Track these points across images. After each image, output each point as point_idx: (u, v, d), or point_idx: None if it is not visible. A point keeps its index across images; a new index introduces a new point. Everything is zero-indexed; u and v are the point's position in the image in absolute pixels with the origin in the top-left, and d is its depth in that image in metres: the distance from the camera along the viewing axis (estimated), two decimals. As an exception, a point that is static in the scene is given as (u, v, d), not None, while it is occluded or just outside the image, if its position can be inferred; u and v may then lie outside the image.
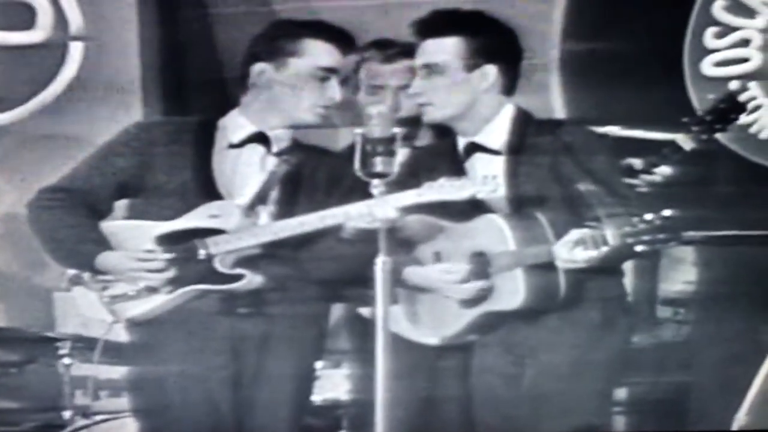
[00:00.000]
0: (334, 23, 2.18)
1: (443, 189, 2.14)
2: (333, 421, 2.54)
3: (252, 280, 2.22)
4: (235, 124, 2.22)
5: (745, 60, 2.31)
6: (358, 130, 2.15)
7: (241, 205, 2.21)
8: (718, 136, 2.28)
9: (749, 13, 2.30)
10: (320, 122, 2.21)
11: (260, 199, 2.22)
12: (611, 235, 2.14)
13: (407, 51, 2.21)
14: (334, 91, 2.16)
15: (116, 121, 2.31)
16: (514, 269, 2.23)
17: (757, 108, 2.34)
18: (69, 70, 2.26)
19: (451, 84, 2.17)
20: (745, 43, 2.31)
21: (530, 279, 2.22)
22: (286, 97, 2.19)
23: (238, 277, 2.22)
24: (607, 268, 2.26)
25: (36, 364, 2.47)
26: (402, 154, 2.21)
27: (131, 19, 2.26)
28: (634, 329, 2.39)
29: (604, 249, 2.15)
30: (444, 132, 2.26)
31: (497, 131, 2.22)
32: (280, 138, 2.22)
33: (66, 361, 2.44)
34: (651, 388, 2.54)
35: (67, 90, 2.28)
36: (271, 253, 2.21)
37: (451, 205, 2.18)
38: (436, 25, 2.14)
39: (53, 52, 2.26)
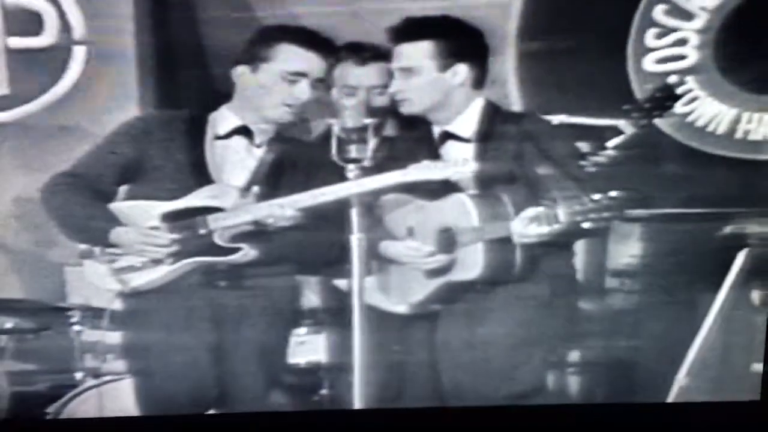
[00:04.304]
0: (313, 29, 2.33)
1: (427, 169, 2.34)
2: (315, 382, 2.63)
3: (247, 253, 2.43)
4: (223, 118, 2.42)
5: (683, 57, 2.42)
6: (334, 121, 2.38)
7: (238, 187, 2.41)
8: (659, 123, 2.44)
9: (687, 16, 2.40)
10: (288, 119, 2.40)
11: (254, 182, 2.42)
12: (563, 213, 2.33)
13: (379, 54, 2.37)
14: (302, 91, 2.35)
15: (116, 115, 2.42)
16: (477, 243, 2.41)
17: (693, 99, 2.45)
18: (73, 71, 2.37)
19: (426, 83, 2.36)
20: (682, 42, 2.41)
21: (489, 252, 2.41)
22: (258, 96, 2.38)
23: (235, 250, 2.43)
24: (560, 246, 2.44)
25: (50, 331, 2.58)
26: (383, 140, 2.42)
27: (128, 25, 2.36)
28: (582, 302, 2.56)
29: (556, 226, 2.34)
30: (411, 122, 2.44)
31: (468, 121, 2.41)
32: (263, 131, 2.42)
33: (76, 328, 2.57)
34: (601, 351, 2.64)
35: (72, 88, 2.38)
36: (263, 230, 2.42)
37: (425, 185, 2.38)
38: (409, 31, 2.31)
39: (59, 54, 2.36)
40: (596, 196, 2.35)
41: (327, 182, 2.39)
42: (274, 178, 2.45)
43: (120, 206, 2.45)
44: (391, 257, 2.49)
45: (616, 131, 2.39)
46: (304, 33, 2.36)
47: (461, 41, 2.35)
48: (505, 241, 2.42)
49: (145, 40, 2.39)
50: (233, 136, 2.44)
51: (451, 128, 2.43)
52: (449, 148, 2.44)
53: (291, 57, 2.36)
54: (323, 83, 2.40)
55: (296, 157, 2.46)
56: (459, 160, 2.38)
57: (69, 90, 2.40)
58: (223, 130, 2.44)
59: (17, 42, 2.36)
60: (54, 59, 2.38)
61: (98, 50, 2.38)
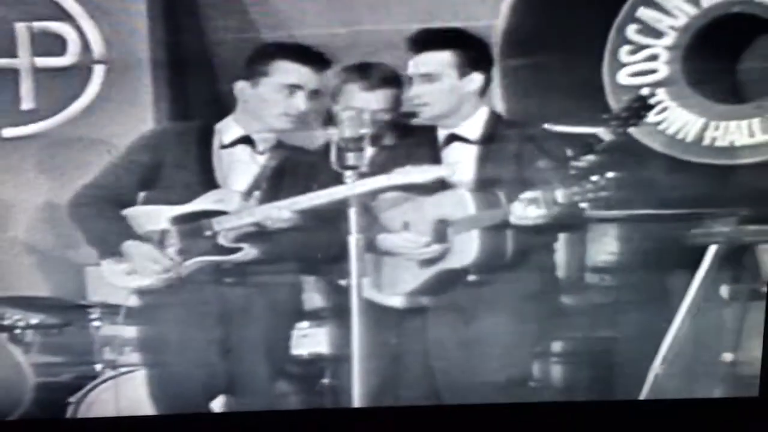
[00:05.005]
0: (305, 45, 2.48)
1: (410, 174, 2.48)
2: (317, 372, 2.72)
3: (248, 252, 2.55)
4: (227, 128, 2.55)
5: (654, 71, 2.55)
6: (333, 131, 2.51)
7: (241, 191, 2.54)
8: (633, 131, 2.55)
9: (658, 34, 2.54)
10: (288, 127, 2.53)
11: (255, 187, 2.55)
12: (562, 195, 2.41)
13: (386, 79, 2.51)
14: (299, 102, 2.48)
15: (133, 127, 2.55)
16: (472, 230, 2.50)
17: (664, 109, 2.58)
18: (93, 87, 2.50)
19: (446, 89, 2.49)
20: (653, 58, 2.54)
21: (484, 240, 2.51)
22: (260, 108, 2.51)
23: (237, 250, 2.56)
24: (555, 231, 2.55)
25: (72, 327, 2.69)
26: (383, 148, 2.55)
27: (144, 46, 2.49)
28: (563, 295, 2.66)
29: (556, 208, 2.42)
30: (412, 129, 2.57)
31: (474, 125, 2.53)
32: (265, 139, 2.56)
33: (96, 323, 2.69)
34: (583, 342, 2.72)
35: (93, 103, 2.51)
36: (265, 231, 2.54)
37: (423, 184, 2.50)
38: (429, 41, 2.45)
39: (80, 72, 2.49)
40: (594, 177, 2.42)
41: (325, 186, 2.50)
42: (276, 183, 2.56)
43: (135, 210, 2.57)
44: (387, 250, 2.58)
45: (597, 138, 2.51)
46: (297, 49, 2.49)
47: (476, 52, 2.49)
48: (499, 232, 2.50)
49: (159, 58, 2.52)
50: (238, 145, 2.56)
51: (458, 131, 2.54)
52: (451, 151, 2.55)
53: (286, 71, 2.49)
54: (319, 94, 2.53)
55: (296, 163, 2.57)
56: (441, 165, 2.51)
57: (89, 104, 2.53)
58: (228, 140, 2.56)
59: (43, 62, 2.48)
60: (76, 77, 2.51)
61: (116, 68, 2.51)
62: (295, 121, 2.53)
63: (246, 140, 2.57)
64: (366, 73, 2.54)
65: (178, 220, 2.56)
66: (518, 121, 2.56)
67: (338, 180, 2.51)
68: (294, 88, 2.50)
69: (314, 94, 2.53)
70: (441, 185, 2.53)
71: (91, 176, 2.54)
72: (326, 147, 2.55)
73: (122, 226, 2.56)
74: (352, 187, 2.48)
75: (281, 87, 2.50)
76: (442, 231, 2.53)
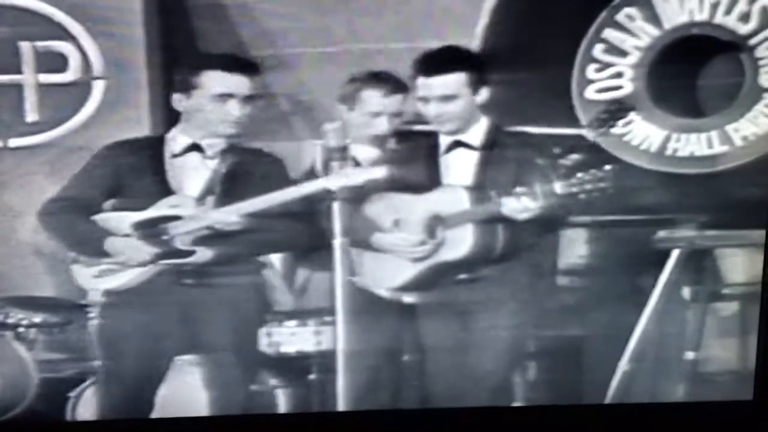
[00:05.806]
0: (231, 54, 2.56)
1: (345, 176, 2.55)
2: (304, 369, 2.78)
3: (203, 254, 2.61)
4: (175, 138, 2.61)
5: (619, 87, 2.66)
6: (317, 142, 2.59)
7: (194, 196, 2.59)
8: (602, 143, 2.65)
9: (623, 53, 2.64)
10: (231, 132, 2.58)
11: (208, 191, 2.60)
12: (560, 186, 2.47)
13: (401, 86, 2.60)
14: (233, 109, 2.54)
15: (129, 136, 2.64)
16: (466, 224, 2.56)
17: (629, 122, 2.68)
18: (93, 102, 2.59)
19: (464, 106, 2.59)
20: (619, 75, 2.65)
21: (477, 233, 2.57)
22: (199, 118, 2.57)
23: (192, 253, 2.63)
24: (534, 239, 2.62)
25: (72, 325, 2.77)
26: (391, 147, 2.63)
27: (141, 64, 2.59)
28: (541, 294, 2.75)
29: (553, 200, 2.47)
30: (412, 135, 2.67)
31: (477, 133, 2.63)
32: (213, 145, 2.60)
33: (94, 322, 2.75)
34: (555, 341, 2.77)
35: (92, 115, 2.60)
36: (222, 233, 2.60)
37: (407, 182, 2.61)
38: (442, 63, 2.55)
39: (81, 88, 2.58)
40: (592, 170, 2.48)
41: (279, 187, 2.57)
42: (228, 186, 2.62)
43: (102, 217, 2.65)
44: (380, 249, 2.63)
45: (581, 138, 2.61)
46: (224, 58, 2.55)
47: (482, 70, 2.59)
48: (491, 226, 2.57)
49: (155, 75, 2.61)
50: (188, 153, 2.63)
51: (462, 138, 2.63)
52: (453, 156, 2.63)
53: (216, 81, 2.54)
54: (253, 99, 2.57)
55: (249, 164, 2.60)
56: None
57: (89, 117, 2.62)
58: (178, 149, 2.63)
59: (46, 78, 2.58)
60: (77, 92, 2.59)
61: (114, 84, 2.60)
62: (235, 126, 2.59)
63: (195, 147, 2.63)
64: (383, 81, 2.61)
65: (139, 225, 2.62)
66: (516, 129, 2.65)
67: (290, 179, 2.59)
68: (226, 96, 2.56)
69: (248, 99, 2.57)
70: (433, 184, 2.60)
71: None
72: (282, 148, 2.63)
73: (97, 230, 2.63)
74: (298, 190, 2.55)
75: (214, 97, 2.56)
76: (434, 227, 2.57)
